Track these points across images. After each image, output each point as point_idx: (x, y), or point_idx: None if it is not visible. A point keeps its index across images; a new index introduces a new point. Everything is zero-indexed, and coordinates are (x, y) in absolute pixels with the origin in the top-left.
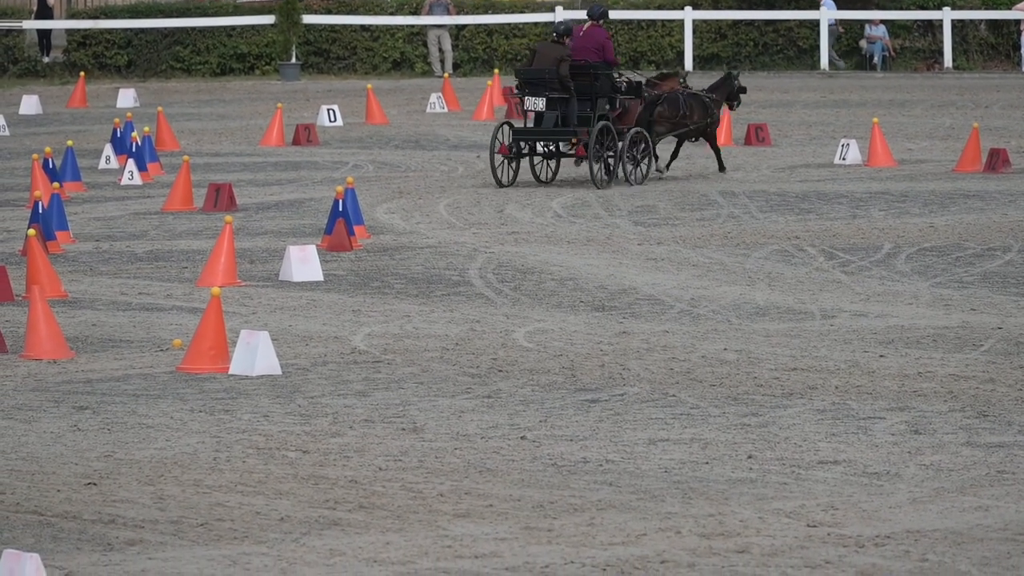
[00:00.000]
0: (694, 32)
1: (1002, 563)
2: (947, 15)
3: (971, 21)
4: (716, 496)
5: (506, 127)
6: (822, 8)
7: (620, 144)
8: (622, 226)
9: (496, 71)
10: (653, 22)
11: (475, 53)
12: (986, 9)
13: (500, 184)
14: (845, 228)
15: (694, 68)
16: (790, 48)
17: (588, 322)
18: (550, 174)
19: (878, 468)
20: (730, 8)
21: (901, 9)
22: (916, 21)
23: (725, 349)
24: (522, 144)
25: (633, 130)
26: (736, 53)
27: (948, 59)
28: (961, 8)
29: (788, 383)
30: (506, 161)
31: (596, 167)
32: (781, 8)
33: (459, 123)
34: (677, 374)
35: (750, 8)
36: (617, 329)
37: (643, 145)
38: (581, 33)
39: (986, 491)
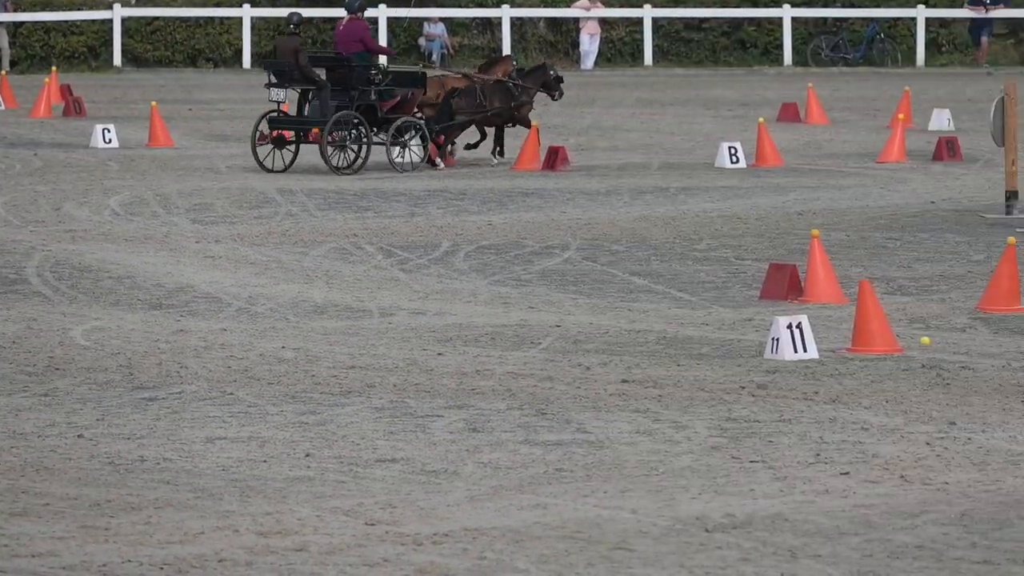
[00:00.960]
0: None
1: (560, 560)
2: (506, 12)
3: (530, 19)
4: (274, 494)
5: (265, 120)
6: (381, 7)
7: (385, 133)
8: (180, 224)
9: (54, 69)
10: (212, 19)
11: (32, 50)
12: (544, 7)
13: (267, 169)
14: (403, 226)
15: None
16: None
17: (146, 320)
18: (285, 162)
19: (436, 466)
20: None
21: (460, 7)
22: (475, 19)
23: (283, 347)
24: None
25: (401, 119)
26: None
27: None
28: (520, 6)
29: (346, 381)
30: (275, 148)
31: (332, 152)
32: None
33: (16, 121)
34: (235, 372)
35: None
36: (175, 327)
37: (412, 133)
38: (342, 27)
39: (544, 489)
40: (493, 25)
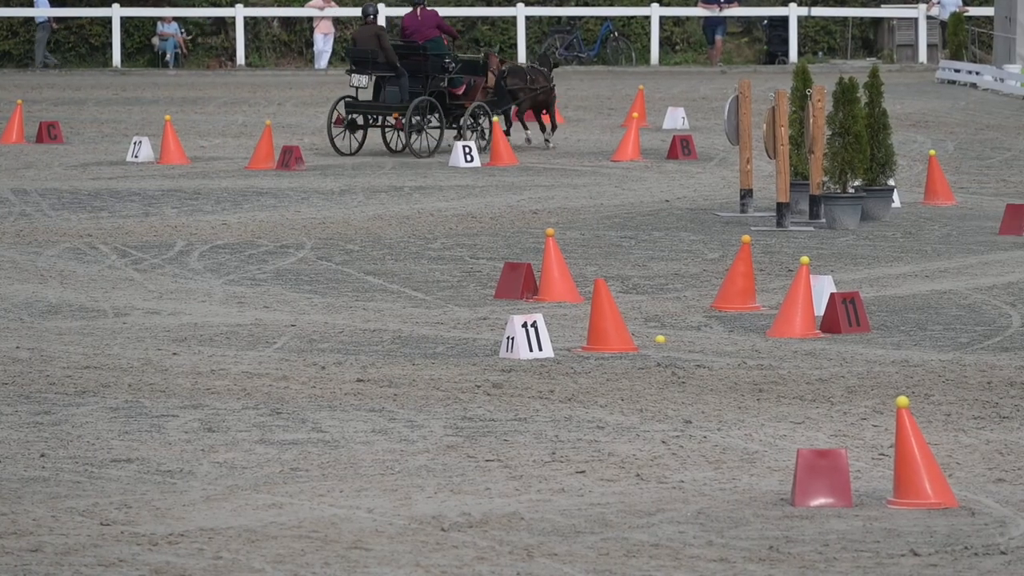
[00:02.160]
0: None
1: (296, 560)
2: (239, 12)
3: (264, 19)
4: (9, 495)
5: (343, 102)
6: (114, 6)
7: (462, 119)
8: None
9: None
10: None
11: None
12: (278, 7)
13: (341, 153)
14: (138, 226)
15: None
16: (82, 45)
17: None
18: (400, 144)
19: (171, 466)
20: (22, 5)
21: (193, 7)
22: (208, 18)
23: (17, 347)
24: (356, 117)
25: (474, 104)
26: (28, 51)
27: (241, 56)
28: (253, 6)
29: (81, 381)
30: (347, 131)
31: (414, 138)
32: (74, 6)
33: None
34: None
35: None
36: None
37: (483, 118)
38: (416, 16)
39: (280, 488)
40: (227, 24)
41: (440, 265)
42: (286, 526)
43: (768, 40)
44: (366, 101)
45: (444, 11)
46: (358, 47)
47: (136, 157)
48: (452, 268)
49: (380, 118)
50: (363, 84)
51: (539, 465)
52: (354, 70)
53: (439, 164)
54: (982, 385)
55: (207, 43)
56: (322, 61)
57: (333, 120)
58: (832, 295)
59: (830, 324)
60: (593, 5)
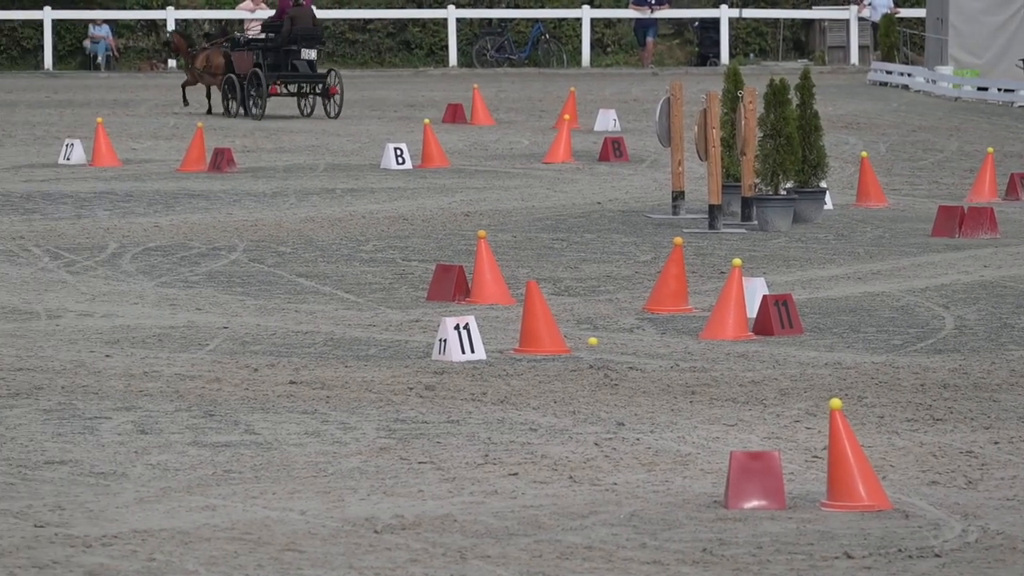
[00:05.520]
0: None
1: (229, 562)
2: (171, 14)
3: (195, 20)
4: None
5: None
6: (46, 8)
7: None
8: None
9: None
10: None
11: None
12: (209, 9)
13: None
14: (70, 228)
15: None
16: (14, 48)
17: None
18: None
19: (105, 468)
20: None
21: (126, 8)
22: (141, 21)
23: None
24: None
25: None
26: None
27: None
28: (185, 8)
29: (14, 383)
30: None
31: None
32: (6, 8)
33: None
34: None
35: None
36: None
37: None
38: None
39: (213, 490)
40: (158, 27)
41: (372, 267)
42: (219, 528)
43: (699, 42)
44: (304, 73)
45: (374, 13)
46: (301, 25)
47: (68, 159)
48: (384, 270)
49: (309, 86)
50: (312, 57)
51: (472, 467)
52: (303, 45)
53: (371, 166)
54: (915, 387)
55: (138, 45)
56: None
57: (268, 90)
58: (764, 297)
59: (763, 326)
60: (524, 7)
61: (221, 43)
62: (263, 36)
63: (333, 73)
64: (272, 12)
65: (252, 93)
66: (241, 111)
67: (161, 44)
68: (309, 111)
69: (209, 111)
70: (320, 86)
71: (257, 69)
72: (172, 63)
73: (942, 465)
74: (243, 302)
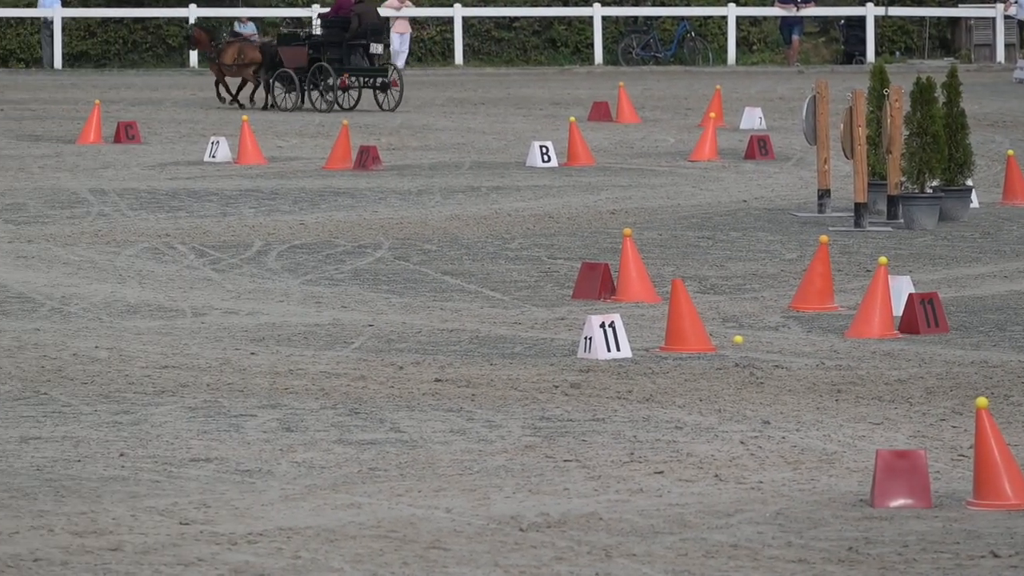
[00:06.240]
0: (63, 29)
1: (375, 560)
2: (317, 11)
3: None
4: (89, 494)
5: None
6: (191, 6)
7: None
8: None
9: None
10: (23, 20)
11: None
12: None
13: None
14: (216, 226)
15: (63, 66)
16: (159, 46)
17: None
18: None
19: (250, 466)
20: (99, 6)
21: (271, 7)
22: (286, 18)
23: (96, 347)
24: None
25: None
26: (105, 51)
27: None
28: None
29: (160, 381)
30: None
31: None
32: (150, 6)
33: None
34: (49, 372)
35: (119, 6)
36: None
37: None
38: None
39: (358, 488)
40: (304, 24)
41: (518, 265)
42: (364, 526)
43: (845, 40)
44: (367, 67)
45: (520, 11)
46: (369, 21)
47: (214, 157)
48: (530, 268)
49: (373, 80)
50: (380, 52)
51: (617, 465)
52: (372, 40)
53: (516, 164)
54: None
55: None
56: (399, 61)
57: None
58: (910, 295)
59: (909, 325)
60: (670, 5)
61: (243, 38)
62: (314, 32)
63: (392, 68)
64: (414, 10)
65: (318, 85)
66: (287, 103)
67: (183, 38)
68: (382, 104)
69: (233, 101)
70: (380, 80)
71: (323, 63)
72: (193, 58)
73: None
74: (388, 300)
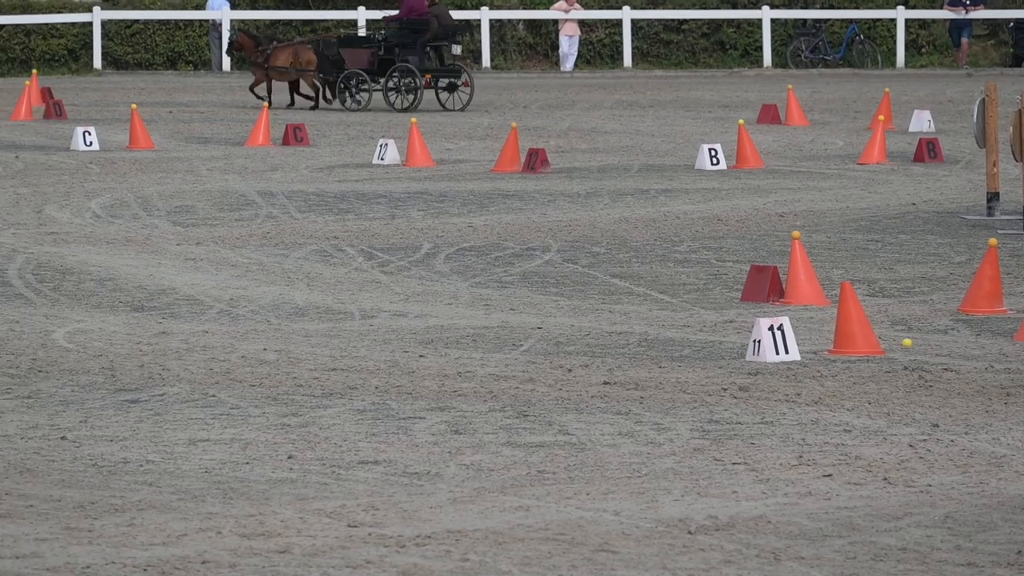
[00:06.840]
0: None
1: (543, 562)
2: (484, 14)
3: (509, 21)
4: (257, 496)
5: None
6: (360, 8)
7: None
8: (161, 226)
9: (34, 72)
10: (191, 22)
11: (13, 53)
12: (523, 9)
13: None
14: (384, 228)
15: (232, 68)
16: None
17: (127, 322)
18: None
19: (418, 468)
20: (268, 8)
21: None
22: (458, 20)
23: (265, 349)
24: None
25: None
26: None
27: (486, 59)
28: (499, 8)
29: (328, 383)
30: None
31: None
32: (318, 9)
33: None
34: (217, 374)
35: (288, 8)
36: (156, 329)
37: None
38: None
39: (527, 491)
40: (472, 27)
41: (686, 268)
42: (533, 528)
43: (1015, 42)
44: (441, 67)
45: (689, 14)
46: (447, 21)
47: (382, 159)
48: (698, 271)
49: (444, 80)
50: (458, 52)
51: (786, 468)
52: (454, 41)
53: (685, 167)
54: None
55: None
56: (568, 63)
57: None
58: None
59: None
60: (839, 7)
61: (291, 40)
62: (380, 35)
63: (463, 69)
64: (582, 12)
65: (399, 86)
66: (353, 104)
67: (228, 45)
68: (445, 104)
69: (292, 103)
70: (449, 80)
71: (408, 64)
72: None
73: None
74: (557, 302)
